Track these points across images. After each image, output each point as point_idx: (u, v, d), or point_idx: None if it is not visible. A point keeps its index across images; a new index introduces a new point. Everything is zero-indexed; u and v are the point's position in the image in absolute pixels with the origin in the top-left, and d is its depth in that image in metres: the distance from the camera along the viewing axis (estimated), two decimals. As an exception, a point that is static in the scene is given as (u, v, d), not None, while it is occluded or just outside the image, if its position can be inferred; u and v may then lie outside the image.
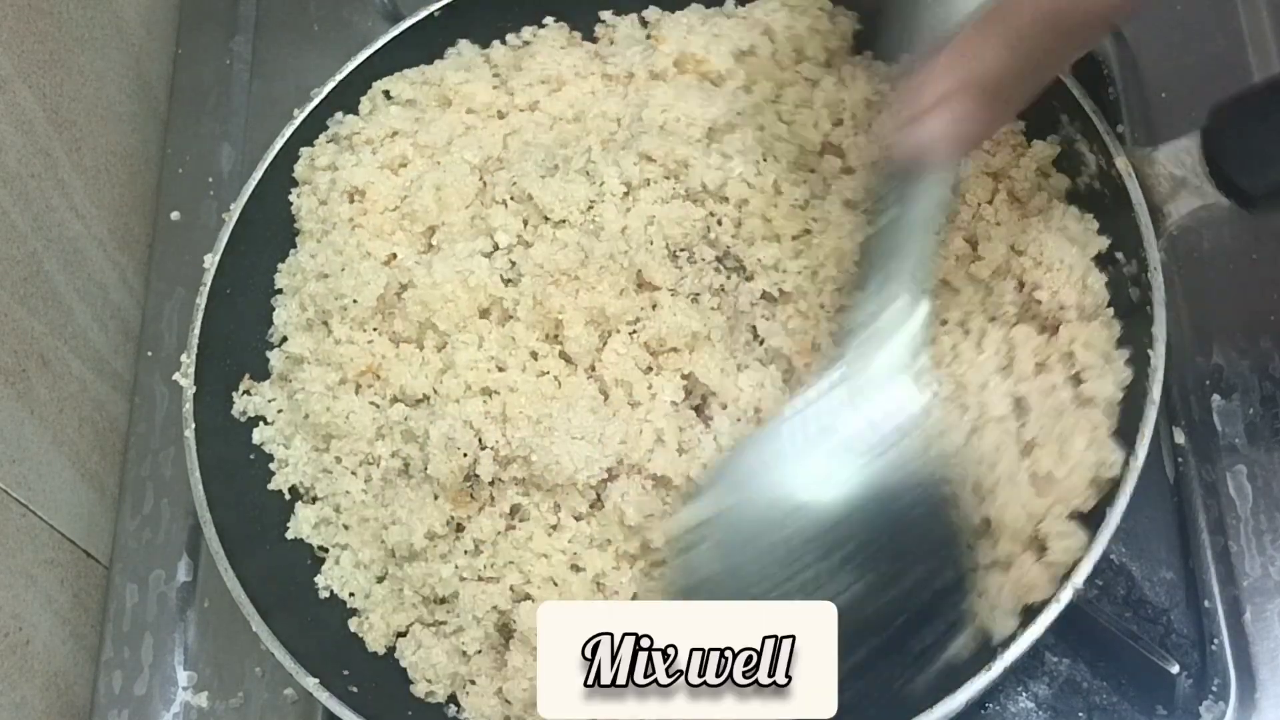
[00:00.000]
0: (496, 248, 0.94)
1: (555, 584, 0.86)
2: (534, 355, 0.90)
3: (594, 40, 1.07)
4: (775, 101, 0.98)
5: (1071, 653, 0.91)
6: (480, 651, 0.87)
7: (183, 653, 1.00)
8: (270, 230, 1.02)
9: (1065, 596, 0.77)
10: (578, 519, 0.87)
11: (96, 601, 1.04)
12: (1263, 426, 0.95)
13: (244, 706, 0.97)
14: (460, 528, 0.89)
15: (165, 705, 0.98)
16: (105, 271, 1.11)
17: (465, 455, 0.86)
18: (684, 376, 0.89)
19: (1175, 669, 0.86)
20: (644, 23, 1.06)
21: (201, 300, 0.96)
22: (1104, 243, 0.89)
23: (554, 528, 0.87)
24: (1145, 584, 0.92)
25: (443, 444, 0.86)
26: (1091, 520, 0.81)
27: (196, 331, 0.96)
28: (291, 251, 1.02)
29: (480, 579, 0.87)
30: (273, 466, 0.96)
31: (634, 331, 0.89)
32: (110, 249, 1.12)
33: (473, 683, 0.87)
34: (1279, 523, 0.91)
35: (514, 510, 0.88)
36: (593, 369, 0.89)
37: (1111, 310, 0.87)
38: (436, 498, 0.88)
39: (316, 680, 0.83)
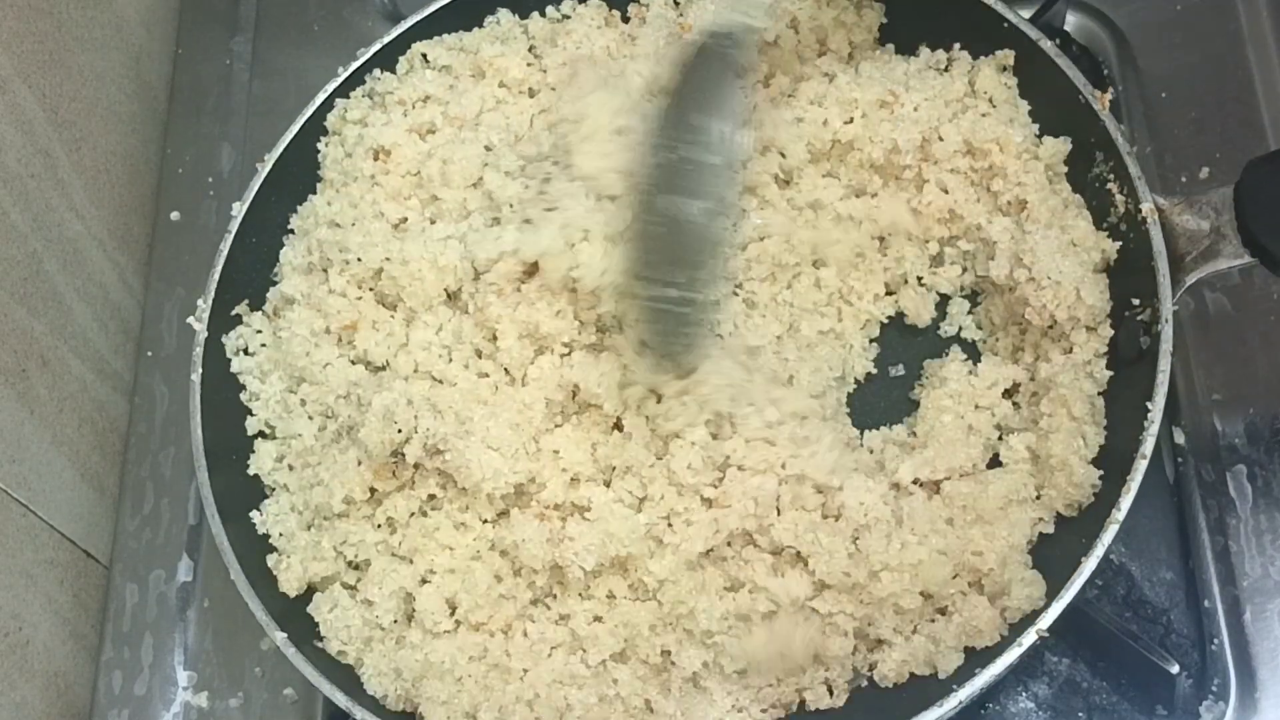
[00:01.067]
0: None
1: (459, 576, 0.86)
2: (479, 353, 0.91)
3: (626, 20, 1.06)
4: (790, 96, 0.97)
5: (1071, 653, 0.91)
6: (396, 621, 0.88)
7: (183, 653, 1.00)
8: (300, 184, 1.03)
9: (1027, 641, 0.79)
10: (484, 522, 0.88)
11: (96, 601, 1.04)
12: (1262, 426, 0.94)
13: (244, 706, 0.97)
14: (379, 502, 0.89)
15: (165, 705, 0.98)
16: (105, 271, 1.11)
17: (400, 432, 0.86)
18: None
19: (1175, 669, 0.86)
20: (676, 3, 1.05)
21: (225, 246, 0.97)
22: (1111, 247, 0.89)
23: (462, 525, 0.88)
24: (1145, 584, 0.92)
25: (381, 414, 0.86)
26: (1058, 565, 0.81)
27: (216, 277, 0.96)
28: (310, 196, 1.02)
29: (393, 555, 0.88)
30: (243, 397, 0.96)
31: (566, 354, 0.89)
32: (110, 249, 1.12)
33: (373, 648, 0.87)
34: (1279, 523, 0.91)
35: (430, 498, 0.89)
36: (524, 382, 0.89)
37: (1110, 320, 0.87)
38: (359, 464, 0.88)
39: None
